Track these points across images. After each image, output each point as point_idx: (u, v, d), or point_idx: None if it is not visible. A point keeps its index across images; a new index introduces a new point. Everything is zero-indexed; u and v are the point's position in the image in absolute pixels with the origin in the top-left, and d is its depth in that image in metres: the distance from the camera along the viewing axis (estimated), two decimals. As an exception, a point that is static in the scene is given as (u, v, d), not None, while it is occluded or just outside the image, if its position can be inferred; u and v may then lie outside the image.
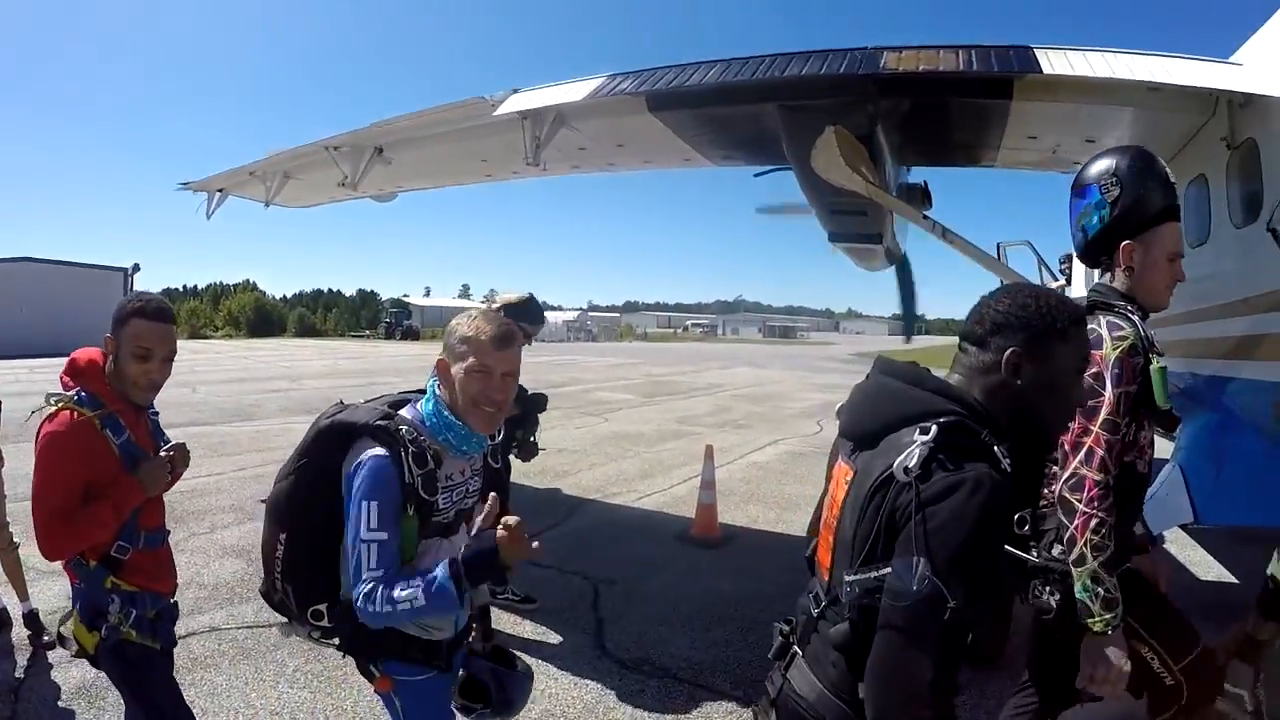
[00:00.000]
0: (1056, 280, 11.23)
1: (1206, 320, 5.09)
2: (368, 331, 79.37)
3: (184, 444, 2.77)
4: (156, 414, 2.84)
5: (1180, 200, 2.76)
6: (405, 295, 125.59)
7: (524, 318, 4.71)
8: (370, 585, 1.93)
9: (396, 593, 1.92)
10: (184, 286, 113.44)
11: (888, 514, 1.46)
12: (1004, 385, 1.61)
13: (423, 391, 2.29)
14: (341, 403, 2.28)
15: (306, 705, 4.01)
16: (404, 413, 2.18)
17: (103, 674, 2.74)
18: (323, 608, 2.20)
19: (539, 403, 5.34)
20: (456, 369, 2.12)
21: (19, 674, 4.21)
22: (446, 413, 2.14)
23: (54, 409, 2.45)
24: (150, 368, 2.52)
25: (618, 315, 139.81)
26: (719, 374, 31.07)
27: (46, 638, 4.39)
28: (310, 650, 4.45)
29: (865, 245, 7.23)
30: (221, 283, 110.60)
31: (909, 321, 10.93)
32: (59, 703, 3.91)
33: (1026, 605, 2.54)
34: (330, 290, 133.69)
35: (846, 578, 1.54)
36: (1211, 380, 5.11)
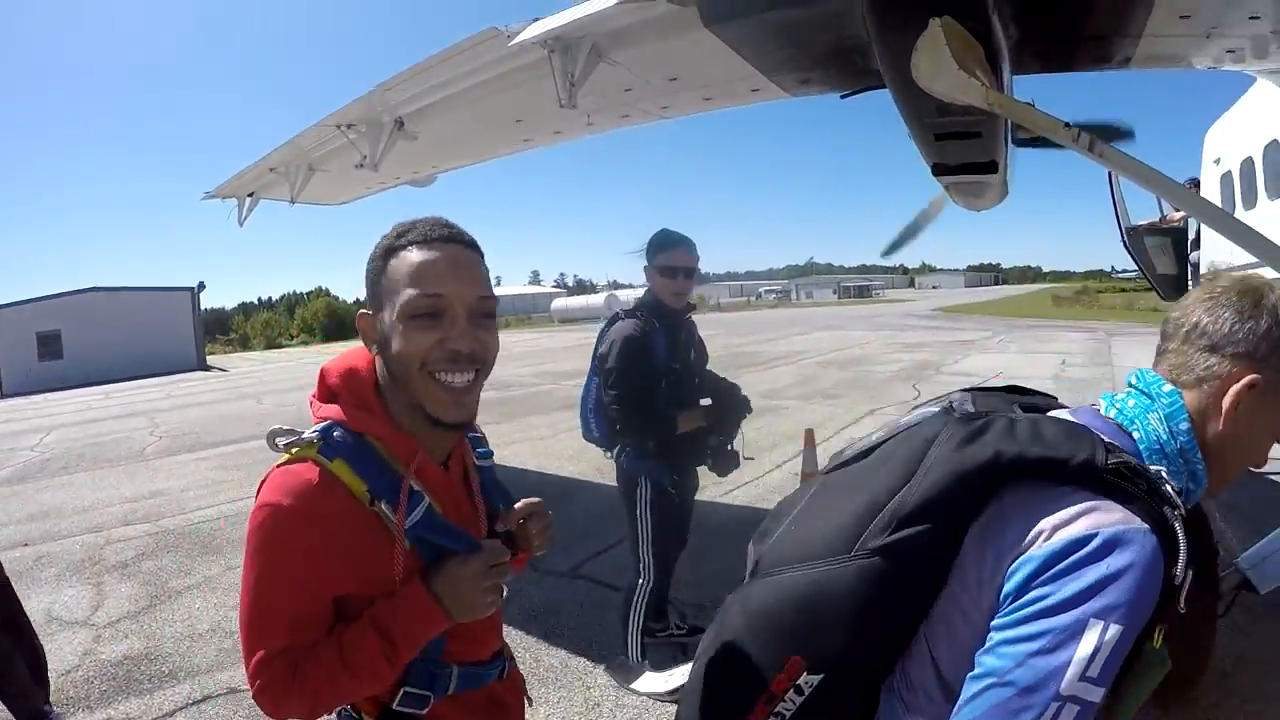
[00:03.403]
0: (1177, 211, 9.97)
1: None
2: (436, 324, 79.72)
3: (539, 503, 1.66)
4: (486, 448, 1.77)
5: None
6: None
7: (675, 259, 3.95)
8: None
9: None
10: (259, 299, 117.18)
11: None
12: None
13: (1033, 393, 1.51)
14: (953, 407, 1.40)
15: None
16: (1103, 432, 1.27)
17: None
18: None
19: (738, 400, 4.28)
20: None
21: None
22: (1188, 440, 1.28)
23: (284, 458, 1.41)
24: (449, 333, 1.40)
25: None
26: (800, 340, 29.89)
27: None
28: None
29: (978, 177, 6.05)
30: (295, 292, 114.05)
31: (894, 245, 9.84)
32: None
33: None
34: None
35: None
36: None
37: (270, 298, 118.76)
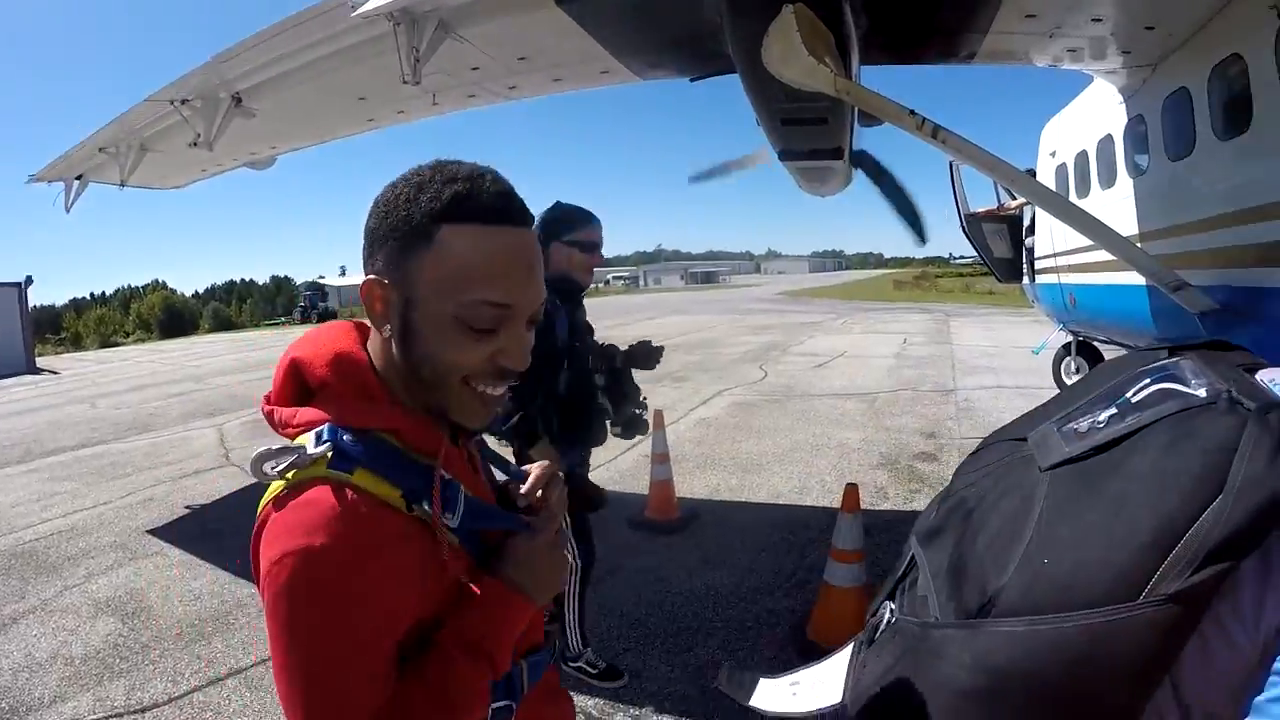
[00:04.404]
0: (1014, 200, 10.56)
1: (1254, 222, 4.58)
2: (283, 318, 77.00)
3: (552, 467, 1.45)
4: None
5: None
6: (320, 277, 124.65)
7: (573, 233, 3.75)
8: None
9: None
10: (91, 294, 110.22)
11: None
12: None
13: None
14: (1233, 394, 1.09)
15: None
16: None
17: None
18: None
19: (650, 355, 4.18)
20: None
21: None
22: None
23: (284, 485, 1.08)
24: (505, 346, 1.16)
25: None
26: (650, 325, 29.89)
27: None
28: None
29: (823, 163, 6.20)
30: (130, 286, 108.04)
31: (915, 222, 9.98)
32: None
33: None
34: (243, 280, 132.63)
35: None
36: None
37: (104, 292, 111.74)
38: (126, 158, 7.20)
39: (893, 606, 1.33)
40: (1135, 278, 5.83)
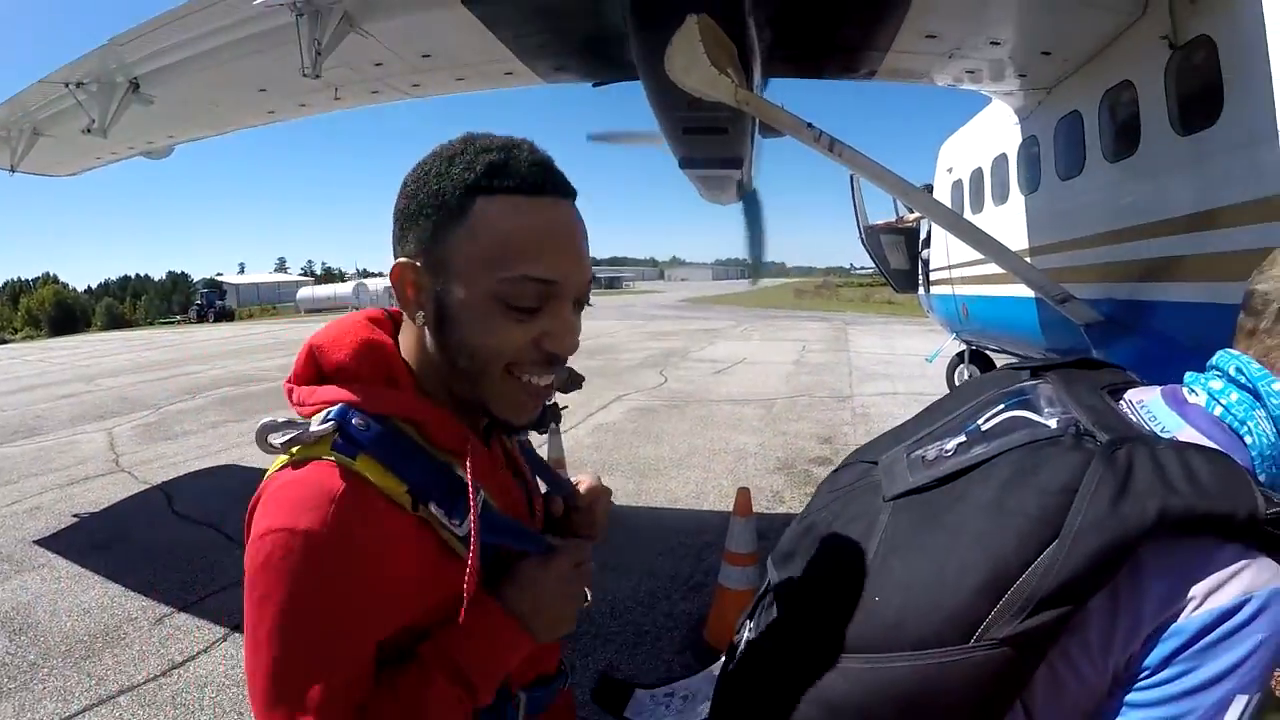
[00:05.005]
0: (912, 213, 10.90)
1: (1137, 240, 4.80)
2: (178, 317, 73.81)
3: (599, 482, 1.37)
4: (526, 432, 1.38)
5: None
6: (219, 274, 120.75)
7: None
8: None
9: None
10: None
11: None
12: None
13: None
14: (1079, 428, 1.08)
15: None
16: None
17: None
18: None
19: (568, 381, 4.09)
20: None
21: None
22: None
23: (287, 460, 1.02)
24: (551, 328, 1.05)
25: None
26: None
27: None
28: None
29: (722, 172, 6.34)
30: (19, 279, 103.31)
31: (757, 260, 10.34)
32: None
33: None
34: (139, 276, 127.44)
35: None
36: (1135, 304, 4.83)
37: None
38: (19, 142, 6.89)
39: (751, 625, 1.30)
40: (1024, 290, 6.06)
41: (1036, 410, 1.13)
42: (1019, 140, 6.58)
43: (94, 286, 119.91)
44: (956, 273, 8.80)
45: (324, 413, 1.03)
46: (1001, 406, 1.18)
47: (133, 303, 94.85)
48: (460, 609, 1.03)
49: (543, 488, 1.36)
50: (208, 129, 7.43)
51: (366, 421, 1.03)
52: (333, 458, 0.99)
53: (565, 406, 3.84)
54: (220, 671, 4.25)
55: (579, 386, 4.16)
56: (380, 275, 63.17)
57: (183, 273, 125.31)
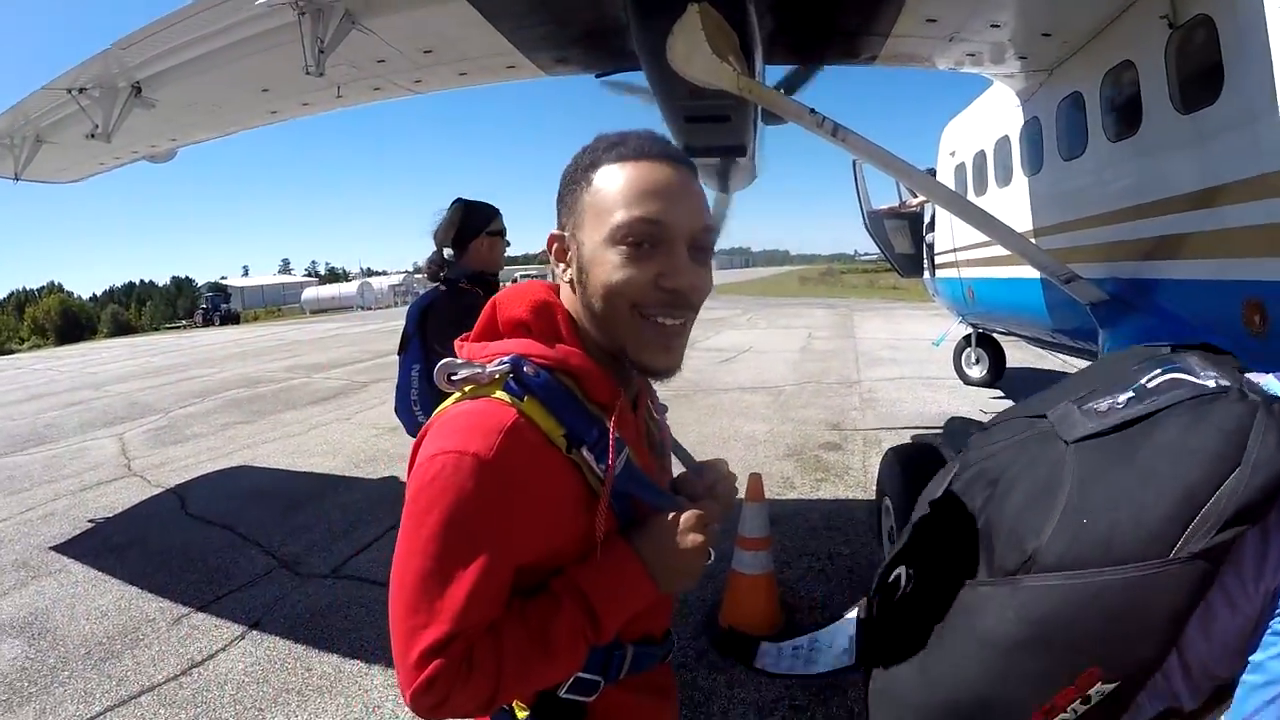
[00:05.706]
0: (915, 197, 10.87)
1: (1140, 218, 4.78)
2: (184, 321, 75.02)
3: (722, 461, 1.44)
4: (661, 404, 1.55)
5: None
6: (223, 277, 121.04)
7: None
8: None
9: None
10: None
11: None
12: None
13: None
14: (1245, 388, 1.25)
15: None
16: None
17: None
18: None
19: None
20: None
21: None
22: None
23: (461, 396, 1.19)
24: (667, 267, 1.18)
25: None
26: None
27: None
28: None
29: (728, 160, 6.32)
30: (25, 288, 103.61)
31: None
32: None
33: None
34: (143, 282, 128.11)
35: None
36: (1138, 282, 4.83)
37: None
38: (21, 150, 6.84)
39: (910, 571, 1.44)
40: (1029, 271, 6.06)
41: (1193, 374, 1.29)
42: (1021, 122, 6.57)
43: (99, 294, 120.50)
44: (961, 256, 8.79)
45: (500, 360, 1.18)
46: (1160, 370, 1.33)
47: (138, 309, 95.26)
48: (593, 549, 1.17)
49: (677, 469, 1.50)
50: (210, 131, 7.43)
51: (536, 369, 1.18)
52: (504, 396, 1.15)
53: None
54: (240, 669, 4.28)
55: None
56: (384, 274, 62.90)
57: (187, 277, 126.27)
